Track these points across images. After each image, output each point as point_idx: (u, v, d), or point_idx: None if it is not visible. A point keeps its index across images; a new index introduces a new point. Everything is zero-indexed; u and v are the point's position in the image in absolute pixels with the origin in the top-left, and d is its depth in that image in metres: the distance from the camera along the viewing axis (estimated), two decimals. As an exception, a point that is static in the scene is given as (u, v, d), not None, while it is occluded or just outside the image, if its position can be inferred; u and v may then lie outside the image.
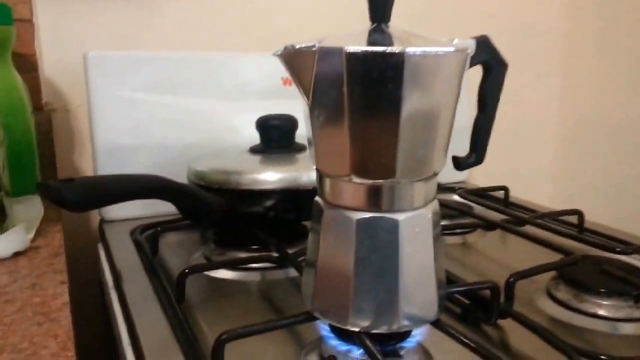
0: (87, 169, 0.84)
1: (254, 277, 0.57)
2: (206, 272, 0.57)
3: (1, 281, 0.46)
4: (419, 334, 0.40)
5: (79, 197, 0.42)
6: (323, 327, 0.42)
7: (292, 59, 0.34)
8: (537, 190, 1.22)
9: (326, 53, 0.33)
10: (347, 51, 0.32)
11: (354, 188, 0.36)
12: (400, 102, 0.33)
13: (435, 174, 0.37)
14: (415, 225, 0.36)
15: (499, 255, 0.63)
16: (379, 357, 0.36)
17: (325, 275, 0.38)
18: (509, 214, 0.69)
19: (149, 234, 0.65)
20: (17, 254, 0.51)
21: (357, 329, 0.37)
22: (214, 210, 0.54)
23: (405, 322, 0.37)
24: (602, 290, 0.49)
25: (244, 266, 0.58)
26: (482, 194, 0.83)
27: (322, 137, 0.36)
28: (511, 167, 1.17)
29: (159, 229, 0.63)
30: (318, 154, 0.37)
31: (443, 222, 0.71)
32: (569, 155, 1.20)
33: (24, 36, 0.75)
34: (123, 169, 0.72)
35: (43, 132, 0.79)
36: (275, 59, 0.35)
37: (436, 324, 0.39)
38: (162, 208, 0.59)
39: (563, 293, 0.51)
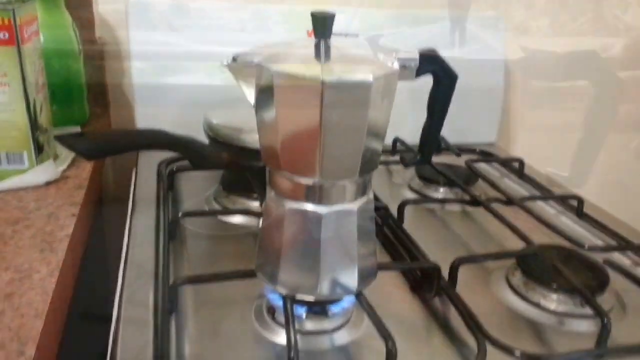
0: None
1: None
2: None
3: (29, 207, 0.56)
4: (346, 302, 0.47)
5: (88, 149, 0.51)
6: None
7: (237, 70, 0.40)
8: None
9: (261, 69, 0.38)
10: (273, 70, 0.37)
11: (287, 181, 0.41)
12: (319, 119, 0.37)
13: (366, 174, 0.42)
14: (340, 218, 0.41)
15: (490, 230, 0.66)
16: (291, 316, 0.42)
17: (265, 243, 0.45)
18: (501, 191, 0.71)
19: (170, 168, 0.74)
20: (49, 183, 0.61)
21: (284, 292, 0.44)
22: (213, 162, 0.61)
23: (325, 293, 0.43)
24: (552, 283, 0.51)
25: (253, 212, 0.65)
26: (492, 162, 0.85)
27: (263, 135, 0.41)
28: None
29: (174, 167, 0.71)
30: (261, 146, 0.42)
31: (440, 191, 0.74)
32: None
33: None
34: (156, 104, 0.80)
35: (95, 65, 0.88)
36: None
37: (357, 296, 0.45)
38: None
39: (517, 279, 0.54)
